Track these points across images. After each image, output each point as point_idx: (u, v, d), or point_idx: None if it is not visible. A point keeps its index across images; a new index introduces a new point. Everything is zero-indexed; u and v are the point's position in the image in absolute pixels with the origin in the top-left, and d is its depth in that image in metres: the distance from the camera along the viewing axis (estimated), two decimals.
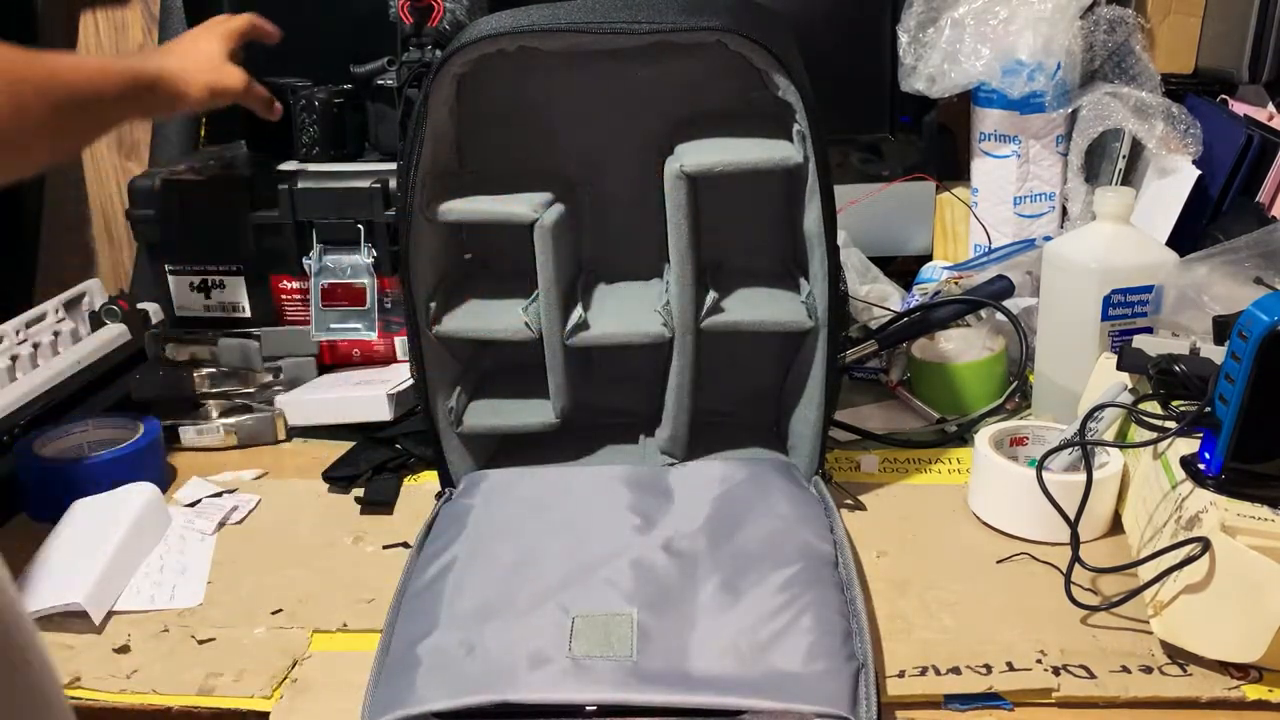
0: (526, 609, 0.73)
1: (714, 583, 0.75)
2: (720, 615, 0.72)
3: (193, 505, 0.97)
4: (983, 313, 1.16)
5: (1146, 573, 0.76)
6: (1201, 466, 0.77)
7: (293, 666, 0.76)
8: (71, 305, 1.18)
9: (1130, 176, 1.26)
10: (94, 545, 0.86)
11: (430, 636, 0.71)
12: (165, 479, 1.01)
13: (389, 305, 1.12)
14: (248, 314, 1.16)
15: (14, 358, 1.06)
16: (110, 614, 0.82)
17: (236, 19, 1.01)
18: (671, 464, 0.93)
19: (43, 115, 0.68)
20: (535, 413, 0.94)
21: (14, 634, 0.56)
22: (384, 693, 0.68)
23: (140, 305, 1.20)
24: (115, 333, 1.17)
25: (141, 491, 0.92)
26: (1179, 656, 0.73)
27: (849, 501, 0.94)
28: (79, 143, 0.88)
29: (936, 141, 1.38)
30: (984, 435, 0.92)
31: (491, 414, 0.95)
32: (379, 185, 1.09)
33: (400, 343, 1.14)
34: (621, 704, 0.65)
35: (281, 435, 1.10)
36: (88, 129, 0.80)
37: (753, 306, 0.90)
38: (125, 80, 0.81)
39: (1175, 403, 0.83)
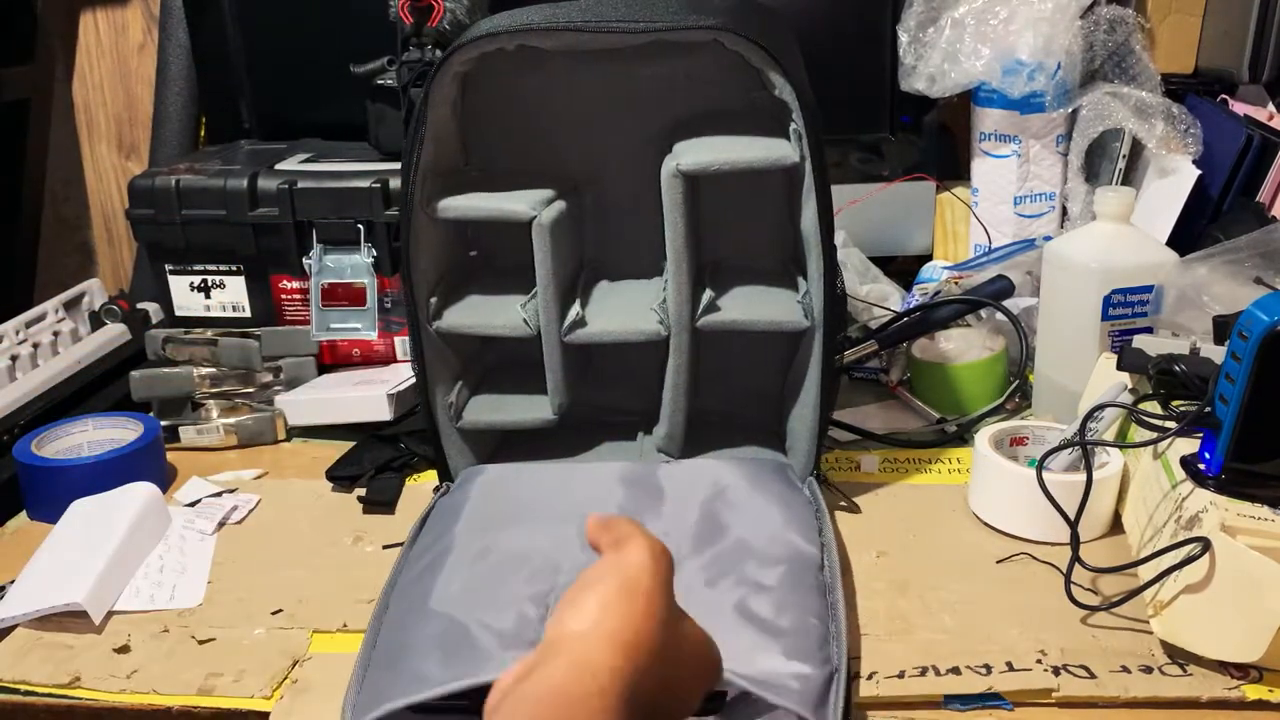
0: (511, 602, 0.73)
1: (697, 582, 0.75)
2: (700, 615, 0.72)
3: (193, 505, 0.97)
4: (983, 313, 1.16)
5: (1146, 573, 0.76)
6: (1201, 466, 0.77)
7: (293, 666, 0.76)
8: (71, 305, 1.19)
9: (1130, 176, 1.26)
10: (94, 545, 0.86)
11: (416, 628, 0.71)
12: (165, 479, 1.01)
13: (389, 305, 1.12)
14: (248, 314, 1.16)
15: (14, 358, 1.06)
16: (110, 614, 0.82)
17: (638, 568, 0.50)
18: (667, 462, 0.93)
19: None
20: (534, 409, 0.94)
21: None
22: (368, 685, 0.68)
23: (140, 305, 1.20)
24: (115, 333, 1.17)
25: (141, 491, 0.92)
26: (1179, 656, 0.73)
27: (844, 503, 0.93)
28: None
29: (936, 141, 1.38)
30: (984, 435, 0.92)
31: (491, 410, 0.96)
32: (379, 185, 1.09)
33: (400, 342, 1.14)
34: None
35: (281, 435, 1.10)
36: None
37: (749, 306, 0.90)
38: None
39: (1175, 403, 0.83)
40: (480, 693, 0.65)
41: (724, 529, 0.82)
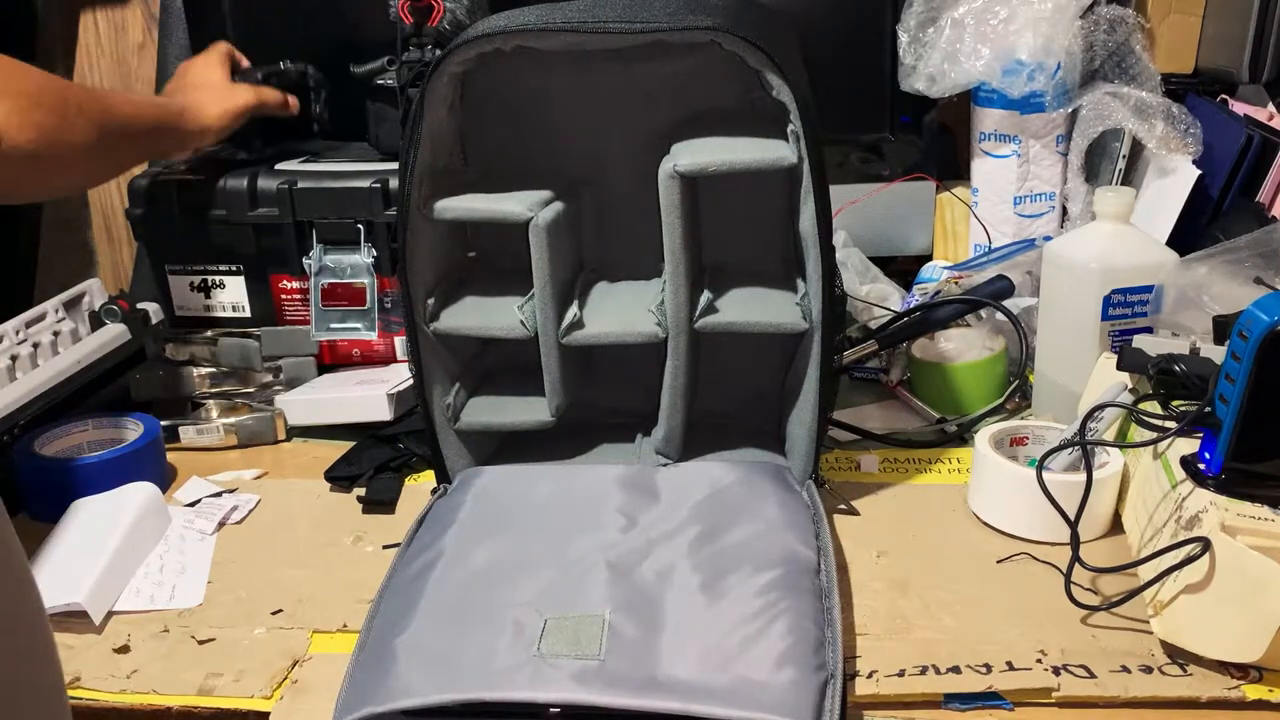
0: (501, 608, 0.73)
1: (692, 585, 0.75)
2: (694, 618, 0.72)
3: (193, 505, 0.97)
4: (983, 313, 1.16)
5: (1146, 573, 0.76)
6: (1201, 466, 0.77)
7: (293, 667, 0.76)
8: (71, 305, 1.18)
9: (1130, 176, 1.26)
10: (94, 545, 0.86)
11: (406, 633, 0.71)
12: (165, 479, 1.01)
13: (389, 305, 1.12)
14: (248, 314, 1.16)
15: (14, 358, 1.06)
16: (110, 614, 0.82)
17: (220, 46, 1.14)
18: (665, 464, 0.93)
19: (88, 136, 0.81)
20: (531, 411, 0.94)
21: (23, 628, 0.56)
22: (357, 687, 0.68)
23: (140, 305, 1.20)
24: (115, 333, 1.17)
25: (141, 491, 0.92)
26: (1179, 656, 0.73)
27: (842, 506, 0.93)
28: (114, 168, 0.98)
29: (936, 141, 1.38)
30: (984, 435, 0.92)
31: (489, 411, 0.95)
32: (379, 185, 1.09)
33: (400, 342, 1.14)
34: (582, 704, 0.64)
35: (281, 435, 1.09)
36: (123, 157, 0.95)
37: (747, 308, 0.90)
38: (157, 115, 0.96)
39: (1175, 403, 0.83)
40: (467, 704, 0.66)
41: (720, 532, 0.81)
